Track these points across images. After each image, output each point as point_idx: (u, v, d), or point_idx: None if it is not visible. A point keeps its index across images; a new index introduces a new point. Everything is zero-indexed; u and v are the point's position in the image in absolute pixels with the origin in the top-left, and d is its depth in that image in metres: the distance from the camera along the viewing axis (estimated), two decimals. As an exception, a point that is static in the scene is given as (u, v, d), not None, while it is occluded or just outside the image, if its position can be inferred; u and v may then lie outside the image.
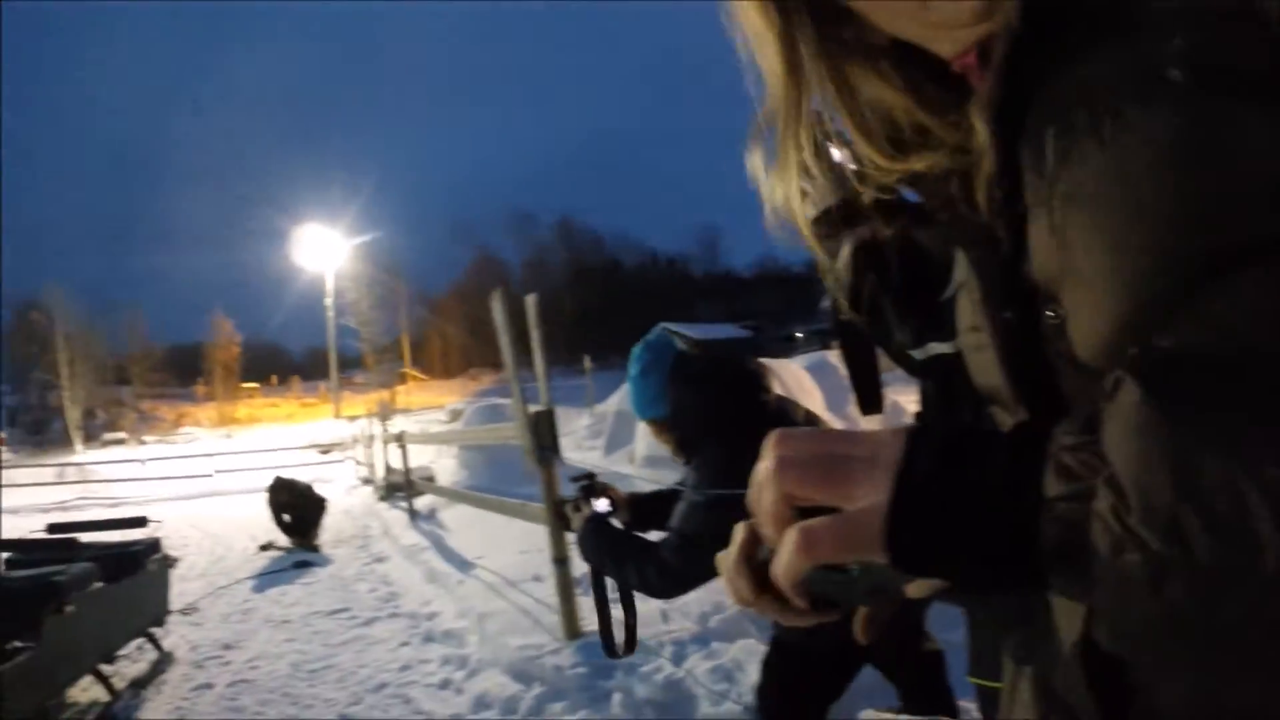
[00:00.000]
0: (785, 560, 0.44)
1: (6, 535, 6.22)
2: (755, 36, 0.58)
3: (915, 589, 0.41)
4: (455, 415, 23.27)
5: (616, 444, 11.50)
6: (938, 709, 2.41)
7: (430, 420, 25.73)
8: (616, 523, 2.47)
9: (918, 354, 1.76)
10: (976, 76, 0.51)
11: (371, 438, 13.41)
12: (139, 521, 6.13)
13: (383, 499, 11.27)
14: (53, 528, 6.19)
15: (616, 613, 2.39)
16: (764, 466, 0.46)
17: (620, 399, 12.45)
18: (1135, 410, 0.35)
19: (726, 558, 0.52)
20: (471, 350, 73.04)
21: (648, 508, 2.55)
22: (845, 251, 1.81)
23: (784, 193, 0.61)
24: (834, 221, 1.79)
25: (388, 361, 70.02)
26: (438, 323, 78.58)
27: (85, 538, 5.62)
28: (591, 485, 2.56)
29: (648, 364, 2.34)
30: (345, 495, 12.70)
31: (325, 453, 21.94)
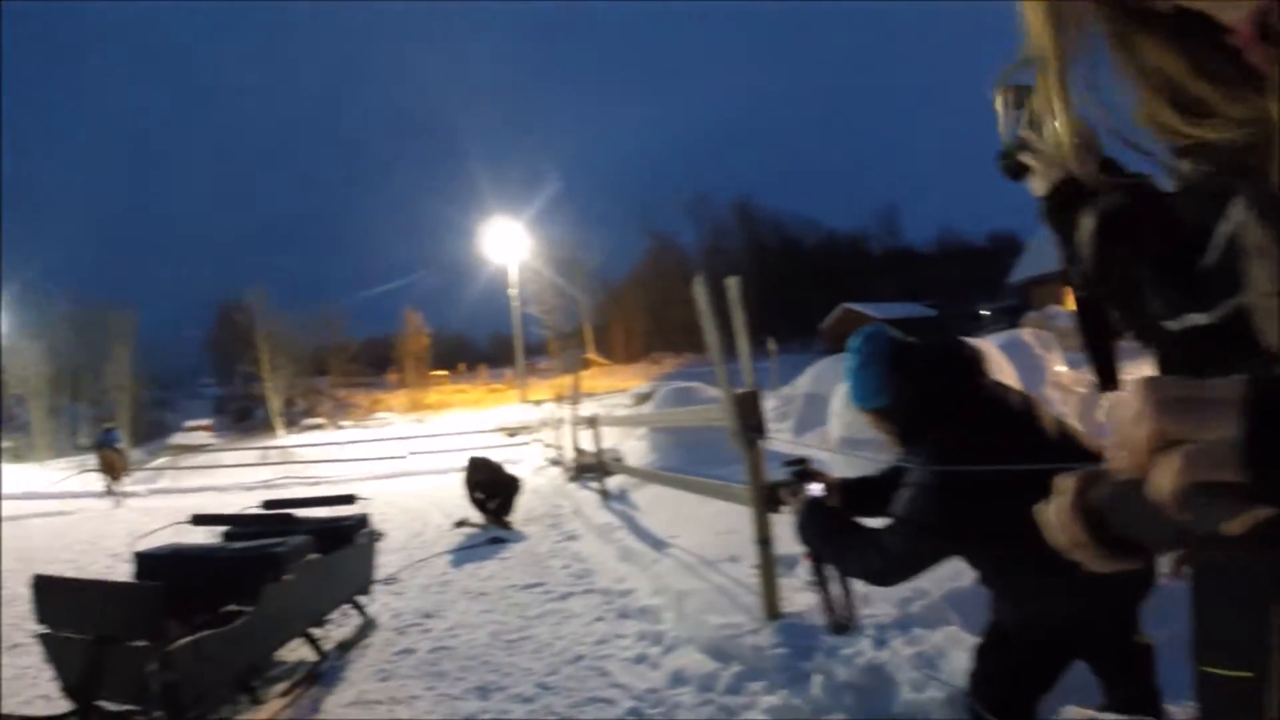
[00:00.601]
0: (1168, 477, 0.48)
1: (216, 510, 6.79)
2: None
3: (1235, 525, 0.46)
4: (640, 399, 23.64)
5: (806, 426, 11.38)
6: (1144, 708, 2.28)
7: (614, 404, 26.24)
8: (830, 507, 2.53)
9: (1173, 325, 1.64)
10: (1255, 51, 0.54)
11: (560, 420, 13.77)
12: (348, 499, 6.55)
13: (572, 480, 11.56)
14: (268, 504, 6.73)
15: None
16: (1136, 408, 0.51)
17: (809, 381, 12.32)
18: None
19: (1055, 507, 0.59)
20: (652, 335, 73.70)
21: (859, 492, 2.59)
22: (1089, 222, 1.72)
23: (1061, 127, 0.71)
24: (1067, 194, 1.72)
25: (571, 348, 71.85)
26: (618, 309, 79.83)
27: (299, 513, 6.12)
28: (805, 469, 2.61)
29: (866, 356, 2.40)
30: (533, 476, 13.10)
31: (512, 435, 22.76)
